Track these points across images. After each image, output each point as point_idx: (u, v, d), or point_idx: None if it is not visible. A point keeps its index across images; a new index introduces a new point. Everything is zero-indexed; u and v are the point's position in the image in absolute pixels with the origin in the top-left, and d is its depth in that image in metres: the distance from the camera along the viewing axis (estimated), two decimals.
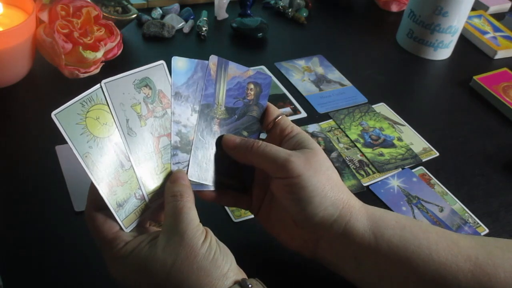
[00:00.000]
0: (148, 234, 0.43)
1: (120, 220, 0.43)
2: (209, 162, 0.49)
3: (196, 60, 0.47)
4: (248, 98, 0.50)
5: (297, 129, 0.50)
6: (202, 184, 0.48)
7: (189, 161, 0.47)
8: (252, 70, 0.51)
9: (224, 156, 0.49)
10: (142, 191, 0.45)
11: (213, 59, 0.48)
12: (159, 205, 0.46)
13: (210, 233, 0.42)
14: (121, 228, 0.43)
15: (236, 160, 0.49)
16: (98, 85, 0.42)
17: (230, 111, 0.50)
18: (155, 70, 0.45)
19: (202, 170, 0.48)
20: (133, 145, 0.44)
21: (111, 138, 0.43)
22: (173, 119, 0.46)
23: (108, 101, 0.43)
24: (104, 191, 0.42)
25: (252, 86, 0.50)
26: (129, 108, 0.44)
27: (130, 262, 0.41)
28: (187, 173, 0.47)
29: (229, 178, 0.50)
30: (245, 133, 0.50)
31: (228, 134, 0.49)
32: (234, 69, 0.50)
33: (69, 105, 0.41)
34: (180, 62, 0.46)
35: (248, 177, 0.51)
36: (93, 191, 0.42)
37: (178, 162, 0.47)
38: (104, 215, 0.43)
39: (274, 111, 0.51)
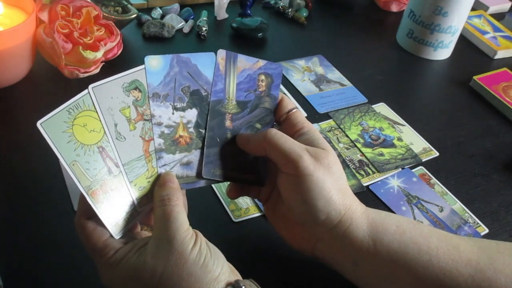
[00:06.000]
0: (138, 240, 0.42)
1: (110, 228, 0.42)
2: (222, 158, 0.48)
3: (171, 55, 0.45)
4: (259, 90, 0.49)
5: (308, 125, 0.49)
6: (195, 182, 0.47)
7: (202, 159, 0.47)
8: (262, 61, 0.50)
9: (238, 151, 0.49)
10: (131, 196, 0.44)
11: (221, 53, 0.47)
12: (150, 209, 0.45)
13: (200, 236, 0.41)
14: (111, 236, 0.43)
15: (250, 155, 0.49)
16: (85, 91, 0.41)
17: (241, 105, 0.49)
18: (145, 72, 0.44)
19: (216, 167, 0.48)
20: (122, 150, 0.43)
21: (99, 144, 0.42)
22: (153, 121, 0.45)
23: (95, 106, 0.42)
24: (92, 199, 0.41)
25: (263, 77, 0.49)
26: (118, 112, 0.43)
27: (121, 271, 0.40)
28: (201, 172, 0.47)
29: (244, 173, 0.50)
30: (258, 126, 0.50)
31: (242, 133, 0.49)
32: (244, 61, 0.49)
33: (55, 113, 0.40)
34: (154, 61, 0.44)
35: (263, 170, 0.50)
36: (83, 200, 0.42)
37: (165, 164, 0.46)
38: (94, 223, 0.42)
39: (288, 104, 0.50)
